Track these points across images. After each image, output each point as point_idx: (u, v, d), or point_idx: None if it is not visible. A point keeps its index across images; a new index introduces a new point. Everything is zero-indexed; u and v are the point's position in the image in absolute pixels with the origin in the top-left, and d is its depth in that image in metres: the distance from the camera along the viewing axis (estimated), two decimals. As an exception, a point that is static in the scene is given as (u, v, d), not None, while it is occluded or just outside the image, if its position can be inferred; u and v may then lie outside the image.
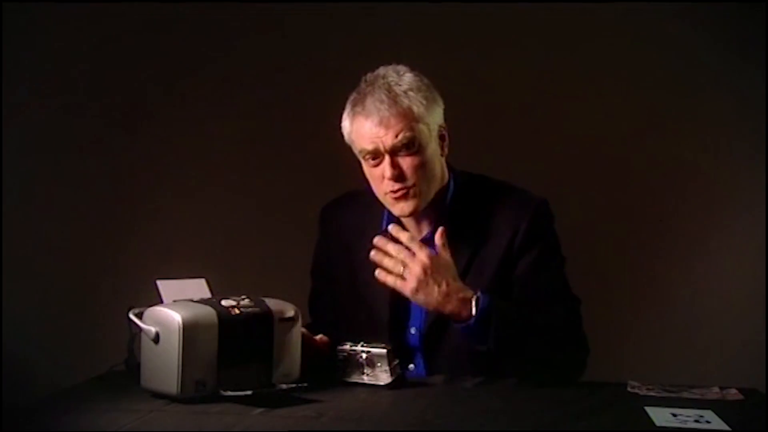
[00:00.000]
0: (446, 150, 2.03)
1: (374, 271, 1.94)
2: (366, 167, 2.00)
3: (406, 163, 1.94)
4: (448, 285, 1.84)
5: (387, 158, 1.93)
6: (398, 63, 1.99)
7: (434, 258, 1.85)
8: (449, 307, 1.85)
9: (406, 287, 1.85)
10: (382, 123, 1.92)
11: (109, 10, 3.20)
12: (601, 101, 3.19)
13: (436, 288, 1.83)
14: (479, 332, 1.84)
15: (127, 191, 3.27)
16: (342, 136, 2.01)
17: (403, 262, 1.85)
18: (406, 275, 1.84)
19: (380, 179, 1.96)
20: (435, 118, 1.98)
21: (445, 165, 2.04)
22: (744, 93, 3.11)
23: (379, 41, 3.02)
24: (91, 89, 3.26)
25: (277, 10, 3.23)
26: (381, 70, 1.98)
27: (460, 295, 1.85)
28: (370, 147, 1.94)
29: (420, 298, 1.85)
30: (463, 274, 1.96)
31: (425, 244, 2.00)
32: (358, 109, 1.95)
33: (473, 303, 1.84)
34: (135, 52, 3.26)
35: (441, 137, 2.00)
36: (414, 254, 1.84)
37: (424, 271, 1.83)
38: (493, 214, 2.00)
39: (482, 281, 1.96)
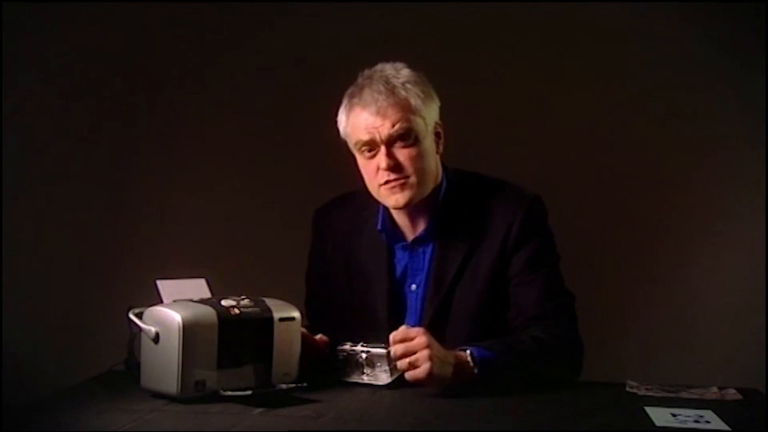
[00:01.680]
0: (441, 148, 2.02)
1: (371, 269, 1.93)
2: (361, 160, 1.99)
3: (402, 154, 1.93)
4: (447, 357, 1.77)
5: (383, 149, 1.93)
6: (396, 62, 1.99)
7: (431, 338, 1.77)
8: (459, 375, 1.78)
9: (422, 374, 1.74)
10: (380, 113, 1.91)
11: (110, 9, 3.20)
12: (600, 101, 3.19)
13: (441, 362, 1.75)
14: (485, 379, 1.80)
15: (126, 191, 3.27)
16: (338, 132, 2.01)
17: (409, 354, 1.75)
18: (418, 364, 1.75)
19: (375, 172, 1.95)
20: (431, 113, 1.98)
21: (439, 163, 2.03)
22: (744, 93, 3.11)
23: (379, 41, 3.02)
24: (91, 89, 3.26)
25: (279, 10, 3.23)
26: (378, 66, 1.98)
27: (461, 360, 1.79)
28: (366, 137, 1.93)
29: (436, 378, 1.75)
30: (459, 273, 1.97)
31: (419, 242, 2.01)
32: (356, 100, 1.95)
33: (470, 359, 1.79)
34: (136, 51, 3.26)
35: (437, 134, 2.01)
36: (415, 341, 1.76)
37: (431, 352, 1.74)
38: (486, 211, 2.00)
39: (477, 279, 1.97)
